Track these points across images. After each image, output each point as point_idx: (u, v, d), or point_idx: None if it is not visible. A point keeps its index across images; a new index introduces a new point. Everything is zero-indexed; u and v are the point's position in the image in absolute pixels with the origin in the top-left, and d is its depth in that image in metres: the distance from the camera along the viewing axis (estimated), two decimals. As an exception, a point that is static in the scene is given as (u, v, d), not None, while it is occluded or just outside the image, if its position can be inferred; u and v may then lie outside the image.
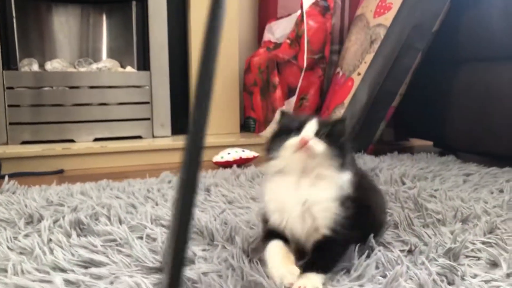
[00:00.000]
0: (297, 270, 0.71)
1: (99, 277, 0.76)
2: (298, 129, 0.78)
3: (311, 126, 0.78)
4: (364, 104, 1.92)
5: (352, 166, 0.80)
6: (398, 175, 1.50)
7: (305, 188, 0.77)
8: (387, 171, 1.57)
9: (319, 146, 0.75)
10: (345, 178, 0.78)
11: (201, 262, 0.82)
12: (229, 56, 2.35)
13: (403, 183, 1.43)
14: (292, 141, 0.77)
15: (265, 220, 0.83)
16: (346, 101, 1.96)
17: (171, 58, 2.25)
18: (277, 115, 0.76)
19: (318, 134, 0.77)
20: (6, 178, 1.42)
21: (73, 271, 0.79)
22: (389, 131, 2.51)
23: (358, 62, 2.00)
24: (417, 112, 2.20)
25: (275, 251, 0.77)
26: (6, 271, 0.78)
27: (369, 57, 1.94)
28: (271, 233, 0.80)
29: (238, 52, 2.39)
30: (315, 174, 0.77)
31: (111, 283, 0.74)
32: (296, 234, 0.78)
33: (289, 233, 0.78)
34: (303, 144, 0.75)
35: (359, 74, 1.96)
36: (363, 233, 0.83)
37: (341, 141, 0.79)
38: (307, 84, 2.16)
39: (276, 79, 2.17)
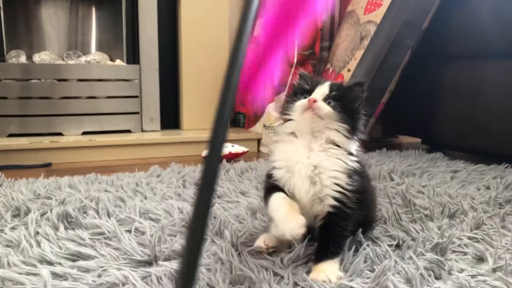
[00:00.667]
0: (303, 220, 0.72)
1: (86, 270, 0.76)
2: (311, 91, 0.79)
3: (322, 89, 0.79)
4: (354, 100, 1.92)
5: (362, 133, 0.81)
6: (386, 171, 1.51)
7: (315, 153, 0.77)
8: (375, 167, 1.58)
9: (325, 107, 0.76)
10: (354, 147, 0.80)
11: (190, 256, 0.81)
12: (219, 52, 2.33)
13: (392, 179, 1.44)
14: (301, 102, 0.78)
15: (269, 177, 0.83)
16: (336, 97, 1.97)
17: (161, 52, 2.23)
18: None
19: (329, 97, 0.78)
20: (-7, 170, 1.40)
21: (60, 264, 0.78)
22: (377, 128, 2.52)
23: (348, 58, 2.00)
24: (406, 109, 2.21)
25: (280, 203, 0.77)
26: (-8, 263, 0.77)
27: (359, 54, 1.95)
28: (273, 188, 0.80)
29: (228, 46, 2.38)
30: (325, 137, 0.78)
31: (99, 276, 0.74)
32: (300, 200, 0.78)
33: (292, 197, 0.79)
34: (310, 104, 0.76)
35: (349, 70, 1.97)
36: (358, 222, 0.83)
37: (353, 106, 0.79)
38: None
39: (266, 75, 2.17)
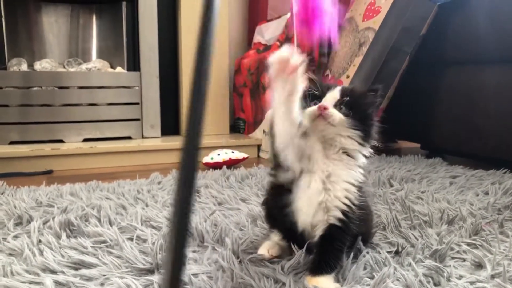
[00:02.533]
0: None
1: (89, 279, 0.77)
2: (321, 97, 0.77)
3: (333, 94, 0.77)
4: (353, 106, 1.94)
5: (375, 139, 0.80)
6: (385, 177, 1.52)
7: (331, 160, 0.76)
8: (375, 173, 1.59)
9: (336, 114, 0.74)
10: (366, 155, 0.79)
11: (191, 264, 0.82)
12: (219, 57, 2.35)
13: (391, 185, 1.45)
14: (311, 109, 0.75)
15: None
16: (335, 103, 1.98)
17: (161, 59, 2.25)
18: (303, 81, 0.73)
19: (340, 103, 0.76)
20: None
21: (63, 272, 0.79)
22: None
23: (347, 64, 2.02)
24: (404, 114, 2.22)
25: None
26: (-5, 272, 0.78)
27: (357, 60, 1.96)
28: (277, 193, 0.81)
29: (228, 53, 2.39)
30: (338, 146, 0.76)
31: (102, 284, 0.75)
32: (305, 204, 0.76)
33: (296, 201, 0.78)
34: (321, 111, 0.74)
35: (348, 76, 1.98)
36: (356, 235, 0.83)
37: (366, 111, 0.77)
38: (296, 86, 2.17)
39: (266, 81, 2.18)
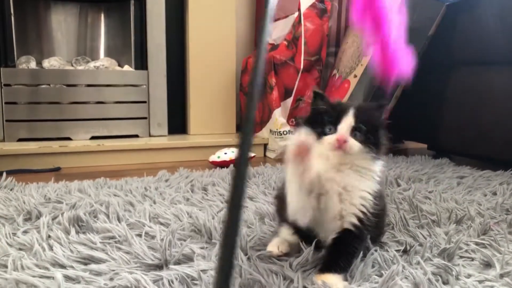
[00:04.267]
0: None
1: (98, 273, 0.77)
2: (335, 122, 0.77)
3: (348, 120, 0.76)
4: (360, 106, 1.94)
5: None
6: (393, 177, 1.51)
7: (346, 172, 0.77)
8: (382, 172, 1.58)
9: (355, 145, 0.76)
10: (379, 168, 0.80)
11: (200, 260, 0.83)
12: (226, 57, 2.36)
13: (398, 185, 1.45)
14: (330, 140, 0.76)
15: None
16: (343, 103, 1.98)
17: (168, 58, 2.26)
18: (310, 94, 0.73)
19: (355, 129, 0.76)
20: (4, 174, 1.42)
21: (72, 267, 0.79)
22: (384, 133, 2.52)
23: (355, 64, 2.01)
24: (412, 114, 2.22)
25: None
26: (6, 266, 0.79)
27: (365, 60, 1.96)
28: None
29: (235, 52, 2.40)
30: (352, 164, 0.78)
31: (111, 279, 0.75)
32: (323, 213, 0.78)
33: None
34: (340, 144, 0.75)
35: (355, 76, 1.98)
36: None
37: (378, 130, 0.79)
38: (303, 86, 2.17)
39: (273, 80, 2.18)
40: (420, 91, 2.12)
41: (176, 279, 0.74)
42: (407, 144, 2.64)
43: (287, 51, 2.19)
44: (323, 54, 2.22)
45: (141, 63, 2.23)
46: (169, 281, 0.73)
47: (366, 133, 0.77)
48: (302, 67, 2.12)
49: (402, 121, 2.30)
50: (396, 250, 0.87)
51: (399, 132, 2.48)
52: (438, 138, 2.08)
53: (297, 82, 2.14)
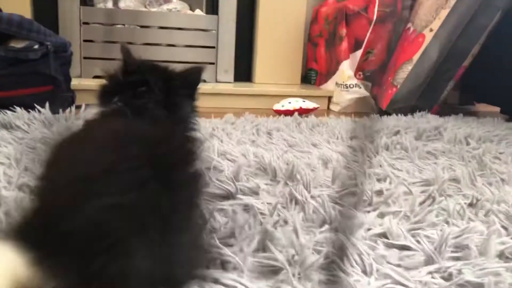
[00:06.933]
0: None
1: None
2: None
3: None
4: (434, 61, 1.86)
5: None
6: (463, 136, 1.47)
7: None
8: (451, 130, 1.54)
9: None
10: None
11: (264, 195, 0.86)
12: (296, 5, 2.32)
13: (468, 144, 1.41)
14: None
15: None
16: (415, 58, 1.91)
17: (239, 4, 2.25)
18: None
19: None
20: (83, 106, 1.51)
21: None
22: (454, 94, 2.42)
23: (432, 17, 1.92)
24: (487, 75, 2.10)
25: None
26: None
27: (444, 13, 1.86)
28: None
29: (306, 1, 2.35)
30: None
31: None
32: None
33: None
34: None
35: (431, 30, 1.90)
36: None
37: None
38: (375, 38, 2.10)
39: (343, 31, 2.13)
40: (500, 50, 2.00)
41: (240, 207, 0.77)
42: (478, 106, 2.53)
43: (361, 0, 2.12)
44: (399, 6, 2.13)
45: (212, 7, 2.24)
46: (232, 210, 0.76)
47: None
48: (375, 18, 2.05)
49: (476, 81, 2.20)
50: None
51: (471, 92, 2.38)
52: (514, 102, 1.97)
53: (368, 34, 2.08)
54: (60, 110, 1.44)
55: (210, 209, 0.74)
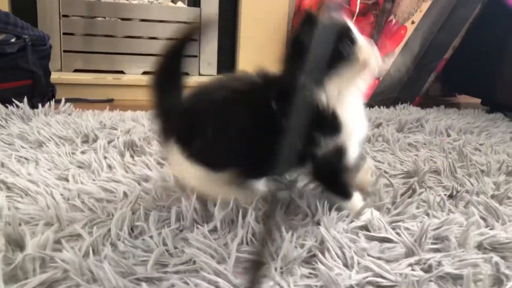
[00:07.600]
0: None
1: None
2: None
3: None
4: (416, 53, 1.87)
5: None
6: (444, 127, 1.48)
7: None
8: (432, 122, 1.56)
9: None
10: None
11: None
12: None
13: (448, 135, 1.42)
14: None
15: None
16: (397, 50, 1.92)
17: (221, -4, 2.24)
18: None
19: None
20: (63, 100, 1.49)
21: (128, 184, 0.84)
22: (436, 85, 2.44)
23: (414, 10, 1.93)
24: (468, 66, 2.12)
25: None
26: (67, 180, 0.85)
27: (425, 5, 1.87)
28: None
29: (289, -6, 2.35)
30: None
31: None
32: None
33: None
34: None
35: (413, 22, 1.90)
36: None
37: None
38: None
39: (326, 24, 2.13)
40: (480, 42, 2.02)
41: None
42: (459, 98, 2.56)
43: (343, -7, 2.12)
44: (380, -2, 2.13)
45: (194, 0, 2.22)
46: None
47: None
48: (357, 10, 2.05)
49: (457, 73, 2.22)
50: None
51: (453, 84, 2.40)
52: (494, 93, 1.99)
53: (350, 27, 2.07)
54: (40, 105, 1.42)
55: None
